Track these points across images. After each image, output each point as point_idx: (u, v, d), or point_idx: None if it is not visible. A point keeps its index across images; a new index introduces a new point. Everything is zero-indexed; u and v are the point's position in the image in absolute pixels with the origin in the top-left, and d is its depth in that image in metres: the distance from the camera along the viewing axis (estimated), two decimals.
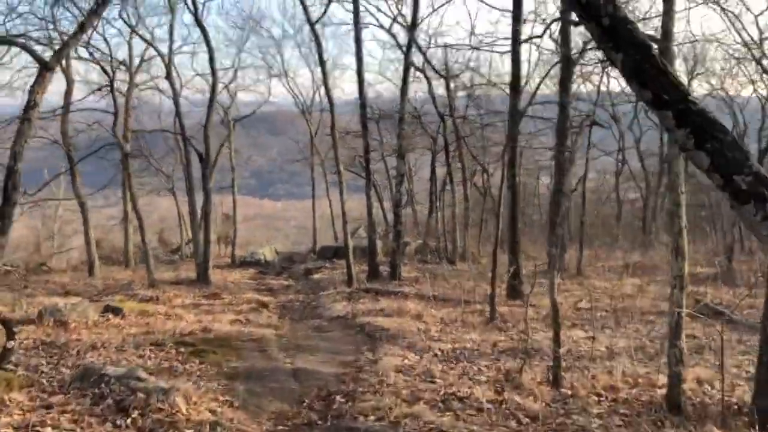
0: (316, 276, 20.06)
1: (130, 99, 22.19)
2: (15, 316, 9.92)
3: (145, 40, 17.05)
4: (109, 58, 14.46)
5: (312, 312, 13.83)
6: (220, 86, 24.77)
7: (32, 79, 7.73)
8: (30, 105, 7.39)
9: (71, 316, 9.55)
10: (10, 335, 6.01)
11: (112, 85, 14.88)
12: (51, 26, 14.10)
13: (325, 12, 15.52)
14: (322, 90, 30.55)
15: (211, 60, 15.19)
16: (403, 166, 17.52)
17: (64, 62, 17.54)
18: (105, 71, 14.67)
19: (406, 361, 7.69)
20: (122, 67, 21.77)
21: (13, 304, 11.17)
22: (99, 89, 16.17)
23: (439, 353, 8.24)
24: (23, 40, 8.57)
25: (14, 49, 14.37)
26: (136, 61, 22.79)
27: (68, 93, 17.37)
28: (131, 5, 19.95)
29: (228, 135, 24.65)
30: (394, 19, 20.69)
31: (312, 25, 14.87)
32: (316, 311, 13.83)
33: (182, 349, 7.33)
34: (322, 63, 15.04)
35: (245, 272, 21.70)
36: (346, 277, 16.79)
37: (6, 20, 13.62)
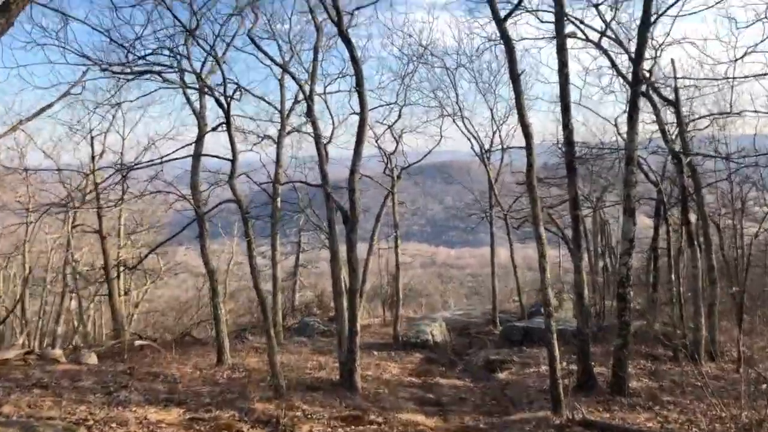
0: (501, 375, 14.78)
1: (281, 146, 19.13)
2: None
3: (287, 71, 13.32)
4: (223, 89, 10.44)
5: None
6: (381, 128, 20.98)
7: None
8: None
9: None
10: None
11: (228, 122, 10.95)
12: None
13: (518, 5, 10.57)
14: (504, 129, 25.63)
15: (359, 83, 10.75)
16: (632, 227, 11.88)
17: (197, 103, 14.50)
18: (219, 104, 10.75)
19: None
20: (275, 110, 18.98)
21: None
22: (214, 129, 12.47)
23: None
24: None
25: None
26: (288, 104, 19.91)
27: (200, 139, 14.17)
28: (283, 40, 16.84)
29: (392, 186, 20.53)
30: (603, 33, 15.26)
31: (500, 22, 10.01)
32: None
33: None
34: (513, 76, 10.03)
35: (408, 360, 16.98)
36: (544, 384, 11.64)
37: None
